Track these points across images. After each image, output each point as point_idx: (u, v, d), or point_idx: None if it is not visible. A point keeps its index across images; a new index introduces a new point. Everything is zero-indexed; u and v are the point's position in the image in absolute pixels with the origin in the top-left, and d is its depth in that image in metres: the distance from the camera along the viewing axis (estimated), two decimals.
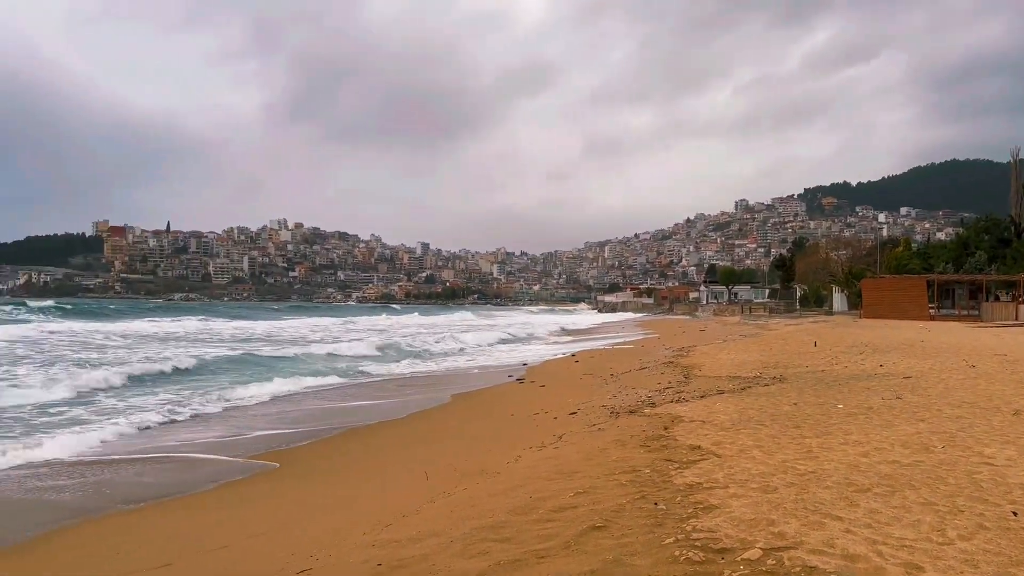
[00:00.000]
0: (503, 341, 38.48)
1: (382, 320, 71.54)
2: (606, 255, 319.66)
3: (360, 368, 23.02)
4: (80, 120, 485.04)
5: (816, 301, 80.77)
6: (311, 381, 19.38)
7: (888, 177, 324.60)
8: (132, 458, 10.41)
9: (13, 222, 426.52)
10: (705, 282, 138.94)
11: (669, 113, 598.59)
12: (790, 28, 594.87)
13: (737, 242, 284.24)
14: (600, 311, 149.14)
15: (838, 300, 68.84)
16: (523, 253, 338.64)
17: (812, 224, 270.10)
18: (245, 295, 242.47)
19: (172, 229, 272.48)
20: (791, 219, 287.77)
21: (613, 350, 31.27)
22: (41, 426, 12.38)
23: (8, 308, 63.42)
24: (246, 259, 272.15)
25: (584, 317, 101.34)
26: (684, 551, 4.11)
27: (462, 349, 33.43)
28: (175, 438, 11.89)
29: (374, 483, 8.87)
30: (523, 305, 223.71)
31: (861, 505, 5.00)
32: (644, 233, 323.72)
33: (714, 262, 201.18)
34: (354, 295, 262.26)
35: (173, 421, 13.51)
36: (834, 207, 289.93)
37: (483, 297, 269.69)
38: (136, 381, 18.20)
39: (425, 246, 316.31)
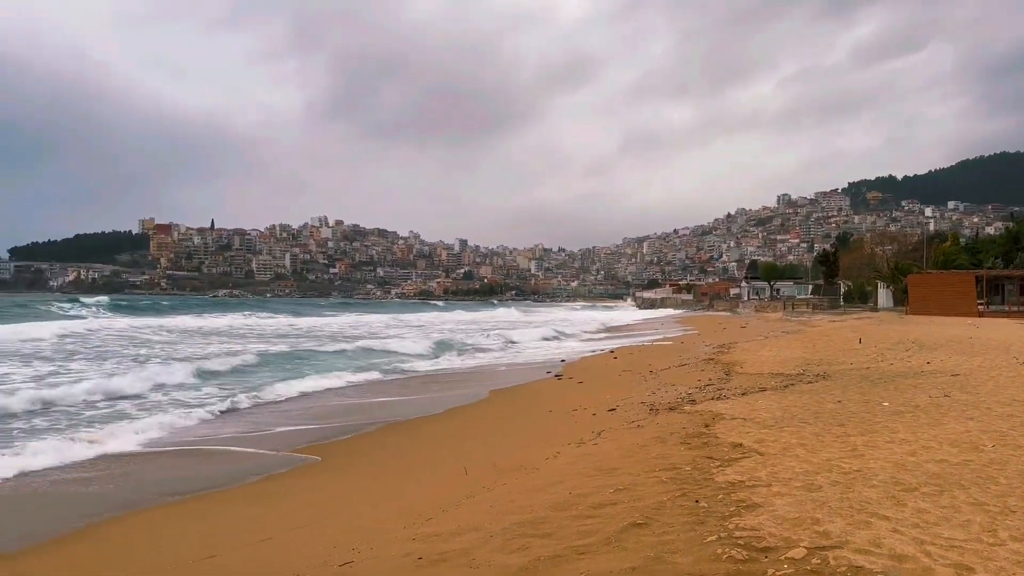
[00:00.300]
0: (545, 338, 38.62)
1: (429, 316, 72.56)
2: (644, 251, 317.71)
3: (404, 365, 23.21)
4: (126, 119, 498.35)
5: (860, 297, 79.37)
6: (354, 377, 19.57)
7: (935, 170, 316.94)
8: (177, 450, 10.67)
9: (63, 220, 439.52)
10: (746, 278, 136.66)
11: (710, 107, 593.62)
12: (836, 19, 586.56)
13: (779, 237, 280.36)
14: (640, 307, 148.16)
15: (883, 296, 67.52)
16: (560, 249, 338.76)
17: (856, 219, 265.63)
18: (287, 291, 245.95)
19: (216, 227, 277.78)
20: (835, 214, 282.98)
21: (652, 346, 31.06)
22: (98, 418, 12.77)
23: (67, 305, 65.36)
24: (288, 256, 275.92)
25: (624, 313, 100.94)
26: (726, 549, 4.06)
27: (511, 343, 34.32)
28: (221, 431, 12.12)
29: (413, 477, 8.93)
30: (562, 301, 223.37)
31: (908, 504, 4.90)
32: (684, 228, 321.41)
33: (755, 257, 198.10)
34: (393, 291, 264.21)
35: (229, 410, 14.00)
36: (879, 201, 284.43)
37: (520, 293, 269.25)
38: (205, 375, 18.91)
39: (463, 242, 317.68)
